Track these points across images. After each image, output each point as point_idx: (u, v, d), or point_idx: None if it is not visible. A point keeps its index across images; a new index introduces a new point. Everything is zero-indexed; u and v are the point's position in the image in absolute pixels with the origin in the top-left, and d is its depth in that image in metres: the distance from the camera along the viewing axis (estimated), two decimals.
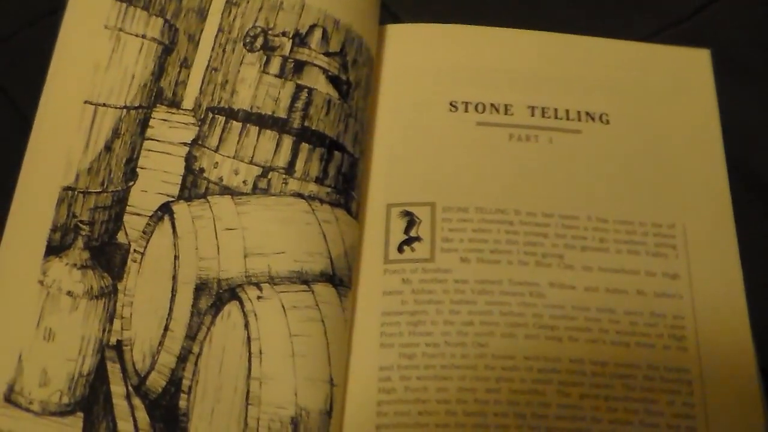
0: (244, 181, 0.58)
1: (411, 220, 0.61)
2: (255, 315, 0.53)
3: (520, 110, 0.65)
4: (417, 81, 0.66)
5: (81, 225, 0.56)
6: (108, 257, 0.56)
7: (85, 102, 0.58)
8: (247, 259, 0.55)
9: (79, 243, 0.56)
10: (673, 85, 0.66)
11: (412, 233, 0.60)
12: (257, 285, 0.54)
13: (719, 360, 0.57)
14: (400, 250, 0.60)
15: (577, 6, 0.72)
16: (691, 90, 0.66)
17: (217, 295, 0.54)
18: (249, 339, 0.53)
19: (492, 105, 0.65)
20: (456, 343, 0.57)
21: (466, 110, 0.64)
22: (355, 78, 0.62)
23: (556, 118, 0.64)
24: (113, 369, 0.55)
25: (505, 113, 0.64)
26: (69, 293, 0.55)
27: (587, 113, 0.65)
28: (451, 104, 0.65)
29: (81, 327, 0.55)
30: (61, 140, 0.57)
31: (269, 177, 0.58)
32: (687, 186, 0.63)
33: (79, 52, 0.59)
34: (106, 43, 0.59)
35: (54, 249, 0.56)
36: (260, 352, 0.53)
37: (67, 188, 0.56)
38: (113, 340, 0.55)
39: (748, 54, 0.70)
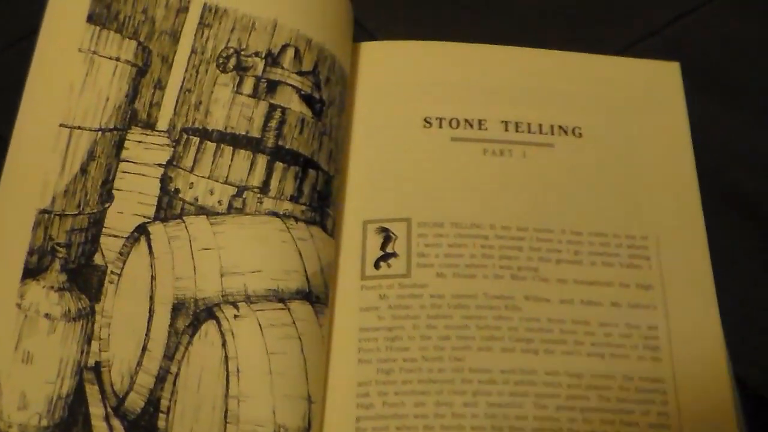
0: (219, 201, 0.58)
1: (387, 236, 0.61)
2: (232, 334, 0.54)
3: (494, 125, 0.65)
4: (391, 98, 0.67)
5: (58, 247, 0.57)
6: (85, 279, 0.57)
7: (61, 125, 0.58)
8: (223, 278, 0.56)
9: (56, 265, 0.57)
10: (644, 98, 0.67)
11: (389, 249, 0.61)
12: (234, 304, 0.55)
13: (693, 369, 0.58)
14: (376, 266, 0.60)
15: (549, 21, 0.74)
16: (662, 102, 0.67)
17: (194, 315, 0.55)
18: (226, 358, 0.53)
19: (466, 120, 0.66)
20: (433, 358, 0.57)
21: (440, 126, 0.65)
22: (328, 96, 0.63)
23: (529, 132, 0.65)
24: (92, 391, 0.55)
25: (479, 128, 0.65)
26: (47, 316, 0.56)
27: (560, 127, 0.66)
28: (425, 120, 0.65)
29: (59, 349, 0.55)
30: (37, 163, 0.58)
31: (244, 196, 0.59)
32: (659, 197, 0.64)
33: (54, 76, 0.60)
34: (80, 66, 0.59)
35: (31, 272, 0.56)
36: (238, 371, 0.53)
37: (44, 211, 0.57)
38: (91, 362, 0.56)
39: (718, 66, 0.71)
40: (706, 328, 0.59)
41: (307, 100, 0.61)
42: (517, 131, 0.65)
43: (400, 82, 0.68)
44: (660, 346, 0.58)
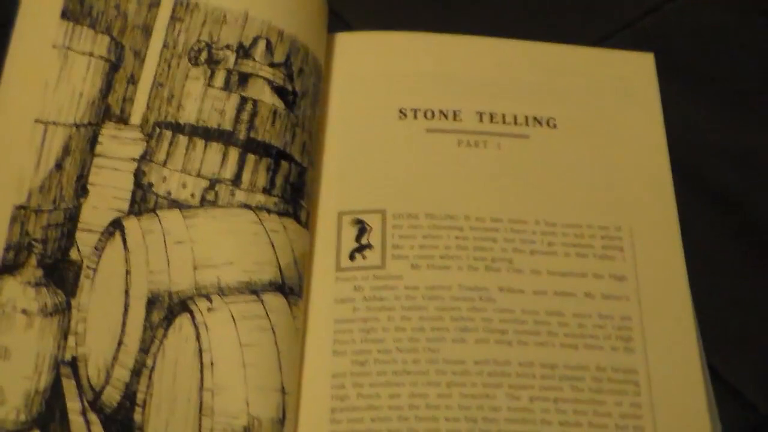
0: (192, 195, 0.59)
1: (362, 228, 0.62)
2: (206, 326, 0.54)
3: (469, 116, 0.66)
4: (366, 89, 0.67)
5: (34, 243, 0.57)
6: (61, 274, 0.57)
7: (36, 121, 0.59)
8: (196, 271, 0.56)
9: (33, 261, 0.57)
10: (618, 89, 0.67)
11: (363, 241, 0.61)
12: (207, 297, 0.55)
13: (665, 360, 0.58)
14: (351, 257, 0.61)
15: (524, 12, 0.74)
16: (636, 93, 0.68)
17: (168, 308, 0.56)
18: (200, 350, 0.54)
19: (441, 111, 0.66)
20: (407, 349, 0.57)
21: (415, 117, 0.65)
22: (301, 88, 0.63)
23: (504, 123, 0.66)
24: (68, 385, 0.56)
25: (454, 119, 0.66)
26: (24, 311, 0.56)
27: (535, 118, 0.66)
28: (400, 111, 0.66)
29: (36, 344, 0.56)
30: (12, 159, 0.58)
31: (216, 189, 0.59)
32: (633, 188, 0.64)
33: (29, 72, 0.60)
34: (54, 62, 0.60)
35: (8, 268, 0.56)
36: (212, 363, 0.53)
37: (20, 207, 0.57)
38: (68, 357, 0.56)
39: (691, 58, 0.72)
40: (678, 319, 0.60)
41: (279, 91, 0.62)
42: (491, 122, 0.66)
43: (376, 72, 0.68)
44: (633, 336, 0.59)
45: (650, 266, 0.61)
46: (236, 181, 0.59)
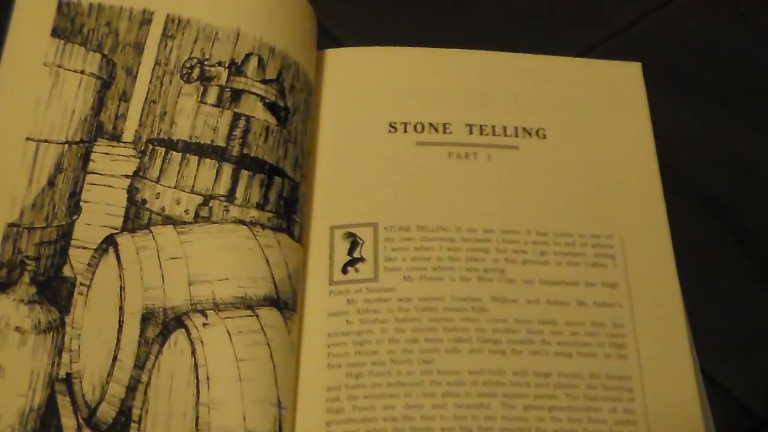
0: (185, 211, 0.58)
1: (354, 241, 0.62)
2: (201, 342, 0.54)
3: (459, 128, 0.66)
4: (356, 103, 0.67)
5: (27, 260, 0.57)
6: (54, 291, 0.57)
7: (27, 138, 0.58)
8: (191, 287, 0.56)
9: (26, 278, 0.56)
10: (606, 98, 0.68)
11: (356, 254, 0.61)
12: (202, 312, 0.55)
13: (659, 366, 0.58)
14: (344, 271, 0.61)
15: (511, 24, 0.74)
16: (624, 102, 0.68)
17: (163, 324, 0.55)
18: (196, 366, 0.54)
19: (431, 124, 0.66)
20: (402, 361, 0.57)
21: (405, 130, 0.65)
22: (293, 103, 0.63)
23: (494, 134, 0.66)
24: (63, 402, 0.55)
25: (444, 132, 0.66)
26: (17, 329, 0.56)
27: (524, 129, 0.66)
28: (390, 125, 0.66)
29: (30, 362, 0.55)
30: (4, 177, 0.58)
31: (210, 205, 0.59)
32: (623, 197, 0.64)
33: (20, 89, 0.59)
34: (45, 80, 0.59)
35: (1, 285, 0.56)
36: (207, 378, 0.53)
37: (12, 224, 0.57)
38: (62, 374, 0.55)
39: (679, 66, 0.72)
40: (671, 324, 0.60)
41: (271, 108, 0.61)
42: (481, 134, 0.66)
43: (365, 87, 0.68)
44: (626, 343, 0.59)
45: (642, 273, 0.61)
46: (230, 197, 0.59)
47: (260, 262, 0.58)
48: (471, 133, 0.66)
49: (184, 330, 0.55)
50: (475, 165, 0.64)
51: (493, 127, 0.66)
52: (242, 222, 0.59)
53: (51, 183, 0.58)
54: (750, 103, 0.71)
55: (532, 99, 0.67)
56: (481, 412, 0.56)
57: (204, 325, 0.55)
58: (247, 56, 0.62)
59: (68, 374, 0.56)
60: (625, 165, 0.65)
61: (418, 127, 0.66)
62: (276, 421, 0.54)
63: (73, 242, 0.58)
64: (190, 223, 0.58)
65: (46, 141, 0.59)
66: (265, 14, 0.63)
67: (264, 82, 0.62)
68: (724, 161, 0.69)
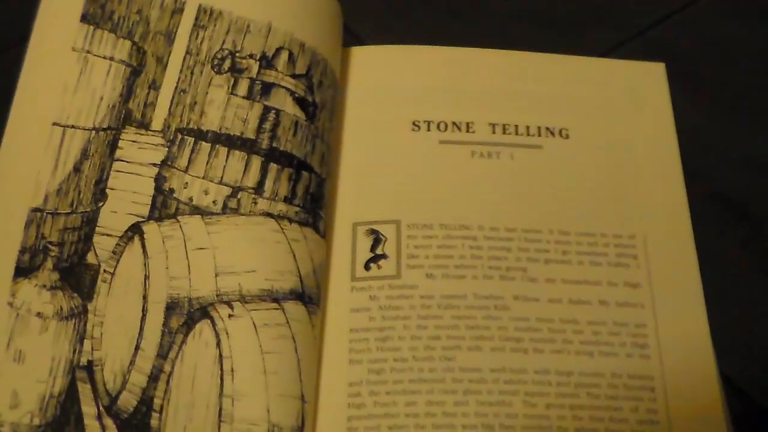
0: (213, 201, 0.57)
1: (377, 238, 0.61)
2: (227, 333, 0.53)
3: (482, 128, 0.65)
4: (380, 101, 0.66)
5: (50, 246, 0.55)
6: (77, 278, 0.55)
7: (54, 124, 0.57)
8: (218, 278, 0.55)
9: (49, 264, 0.55)
10: (630, 99, 0.67)
11: (378, 251, 0.60)
12: (228, 303, 0.54)
13: (681, 366, 0.57)
14: (366, 267, 0.60)
15: (534, 24, 0.73)
16: (648, 103, 0.67)
17: (188, 314, 0.54)
18: (221, 357, 0.52)
19: (454, 123, 0.65)
20: (423, 358, 0.56)
21: (429, 129, 0.65)
22: (320, 99, 0.61)
23: (516, 134, 0.65)
24: (84, 389, 0.54)
25: (467, 131, 0.65)
26: (39, 314, 0.54)
27: (547, 128, 0.65)
28: (413, 124, 0.65)
29: (51, 348, 0.54)
30: (29, 162, 0.56)
31: (239, 197, 0.57)
32: (646, 197, 0.63)
33: (47, 74, 0.58)
34: (74, 65, 0.58)
35: (23, 270, 0.54)
36: (232, 370, 0.52)
37: (36, 209, 0.55)
38: (84, 361, 0.54)
39: (701, 67, 0.71)
40: (693, 325, 0.59)
41: (300, 102, 0.60)
42: (504, 133, 0.65)
43: (389, 86, 0.67)
44: (648, 343, 0.58)
45: (664, 273, 0.60)
46: (258, 189, 0.58)
47: (287, 256, 0.56)
48: (494, 132, 0.65)
49: (209, 321, 0.53)
50: (498, 164, 0.64)
51: (516, 126, 0.65)
52: (270, 215, 0.57)
53: (77, 169, 0.57)
54: None
55: (556, 99, 0.67)
56: (502, 410, 0.55)
57: (230, 316, 0.53)
58: (278, 50, 0.61)
59: (90, 362, 0.54)
60: (648, 165, 0.64)
61: (441, 126, 0.65)
62: (299, 415, 0.53)
63: (97, 229, 0.56)
64: (218, 214, 0.57)
65: (72, 127, 0.57)
66: (296, 10, 0.62)
67: (294, 76, 0.61)
68: (743, 162, 0.67)
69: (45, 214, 0.56)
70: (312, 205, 0.59)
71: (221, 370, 0.52)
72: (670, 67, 0.68)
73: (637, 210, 0.63)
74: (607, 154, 0.65)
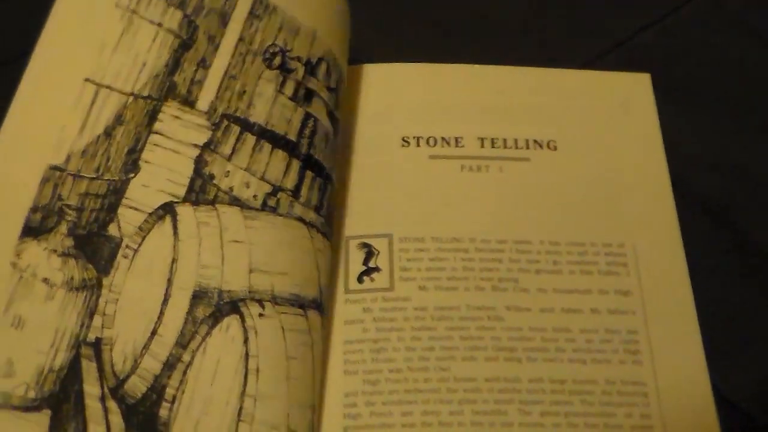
0: (254, 196, 0.36)
1: (369, 252, 0.41)
2: (255, 332, 0.33)
3: (471, 142, 0.46)
4: (370, 118, 0.46)
5: (67, 209, 0.33)
6: (95, 248, 0.34)
7: (86, 80, 0.35)
8: (251, 274, 0.34)
9: (63, 228, 0.33)
10: (617, 110, 0.48)
11: (371, 264, 0.40)
12: (260, 302, 0.34)
13: (673, 371, 0.41)
14: (359, 280, 0.40)
15: (520, 33, 0.53)
16: (634, 113, 0.48)
17: (216, 306, 0.33)
18: (247, 355, 0.33)
19: (443, 138, 0.45)
20: (418, 368, 0.38)
21: (418, 144, 0.45)
22: (340, 117, 0.41)
23: (505, 147, 0.46)
24: (89, 367, 0.33)
25: (456, 146, 0.45)
26: (45, 280, 0.33)
27: (535, 141, 0.46)
28: (403, 139, 0.45)
29: (56, 318, 0.32)
30: (52, 115, 0.35)
31: (278, 197, 0.36)
32: (635, 206, 0.45)
33: (83, 28, 0.36)
34: (116, 23, 0.36)
35: (32, 230, 0.33)
36: (257, 370, 0.32)
37: (55, 167, 0.34)
38: (92, 337, 0.33)
39: (683, 75, 0.52)
40: (684, 330, 0.42)
41: (330, 116, 0.40)
42: (493, 147, 0.46)
43: (378, 103, 0.47)
44: (640, 349, 0.41)
45: (654, 280, 0.43)
46: (296, 193, 0.37)
47: (312, 265, 0.37)
48: (483, 146, 0.46)
49: (238, 316, 0.33)
50: (488, 177, 0.45)
51: (505, 140, 0.46)
52: (303, 221, 0.37)
53: (108, 133, 0.35)
54: (754, 112, 0.51)
55: (543, 111, 0.48)
56: (498, 419, 0.38)
57: (260, 315, 0.33)
58: (320, 60, 0.40)
59: (98, 339, 0.33)
60: (636, 174, 0.46)
61: (431, 141, 0.45)
62: (311, 424, 0.34)
63: (124, 201, 0.34)
64: (257, 209, 0.36)
65: (108, 87, 0.35)
66: (335, 25, 0.42)
67: (329, 89, 0.40)
68: (730, 170, 0.49)
69: (66, 174, 0.34)
70: (329, 218, 0.39)
71: (246, 368, 0.33)
72: (653, 75, 0.50)
73: (626, 219, 0.45)
74: (595, 164, 0.46)
